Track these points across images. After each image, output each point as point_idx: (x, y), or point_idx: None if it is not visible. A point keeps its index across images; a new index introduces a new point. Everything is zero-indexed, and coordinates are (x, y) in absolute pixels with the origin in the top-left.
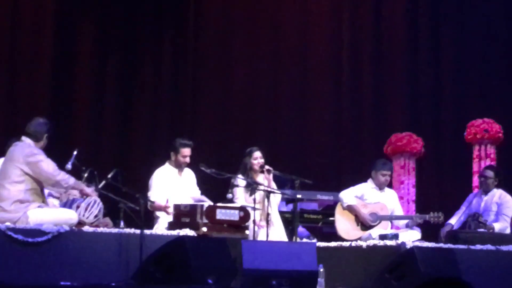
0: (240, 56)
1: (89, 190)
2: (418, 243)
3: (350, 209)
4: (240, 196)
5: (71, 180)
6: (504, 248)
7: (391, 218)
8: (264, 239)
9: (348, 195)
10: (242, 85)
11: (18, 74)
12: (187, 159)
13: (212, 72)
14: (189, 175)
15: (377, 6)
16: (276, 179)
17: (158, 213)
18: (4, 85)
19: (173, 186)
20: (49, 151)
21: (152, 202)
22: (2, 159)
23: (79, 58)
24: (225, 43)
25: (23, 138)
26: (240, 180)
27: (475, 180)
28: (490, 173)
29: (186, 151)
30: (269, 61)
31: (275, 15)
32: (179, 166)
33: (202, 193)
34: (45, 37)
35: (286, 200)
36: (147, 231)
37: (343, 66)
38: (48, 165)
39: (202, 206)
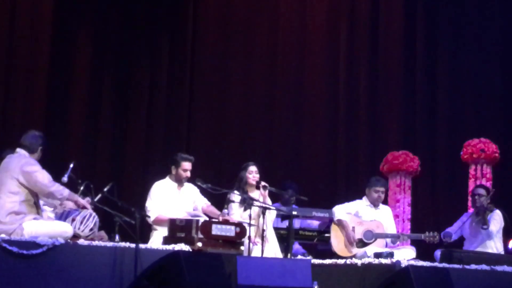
0: (237, 71)
1: (84, 201)
2: (413, 262)
3: (340, 224)
4: (236, 212)
5: (66, 191)
6: (499, 268)
7: (386, 236)
8: (259, 255)
9: (340, 210)
10: (238, 101)
11: (14, 87)
12: (188, 173)
13: (208, 87)
14: (189, 190)
15: (373, 25)
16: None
17: (154, 227)
18: None
19: (171, 200)
20: (45, 164)
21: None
22: None
23: (75, 72)
24: (222, 55)
25: (18, 150)
26: (236, 196)
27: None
28: (482, 191)
29: (187, 165)
30: (266, 75)
31: (273, 25)
32: (179, 180)
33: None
34: (41, 50)
35: (282, 217)
36: (142, 245)
37: (339, 85)
38: (43, 176)
39: (197, 221)
